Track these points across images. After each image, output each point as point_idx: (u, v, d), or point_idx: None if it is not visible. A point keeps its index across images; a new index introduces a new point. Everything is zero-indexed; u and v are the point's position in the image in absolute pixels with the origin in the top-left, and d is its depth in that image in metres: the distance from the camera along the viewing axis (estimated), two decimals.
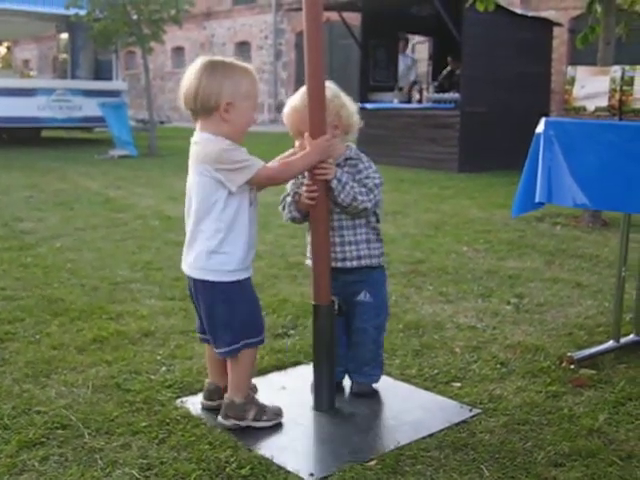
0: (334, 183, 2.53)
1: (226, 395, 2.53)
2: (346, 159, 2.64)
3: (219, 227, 2.39)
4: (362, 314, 2.71)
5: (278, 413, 2.57)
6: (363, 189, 2.56)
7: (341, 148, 2.65)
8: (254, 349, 2.54)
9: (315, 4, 2.46)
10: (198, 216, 2.42)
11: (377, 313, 2.76)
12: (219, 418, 2.51)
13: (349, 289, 2.70)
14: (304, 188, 2.56)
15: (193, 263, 2.45)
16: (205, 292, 2.46)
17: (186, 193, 2.49)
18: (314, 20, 2.48)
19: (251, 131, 2.56)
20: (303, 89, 2.55)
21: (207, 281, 2.43)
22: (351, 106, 2.66)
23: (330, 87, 2.60)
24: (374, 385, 2.82)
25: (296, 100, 2.61)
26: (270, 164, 2.49)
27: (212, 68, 2.38)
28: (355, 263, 2.67)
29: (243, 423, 2.49)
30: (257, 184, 2.45)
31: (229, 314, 2.44)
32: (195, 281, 2.47)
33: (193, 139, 2.45)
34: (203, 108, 2.38)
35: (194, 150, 2.43)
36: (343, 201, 2.54)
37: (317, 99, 2.50)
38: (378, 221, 2.74)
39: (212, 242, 2.40)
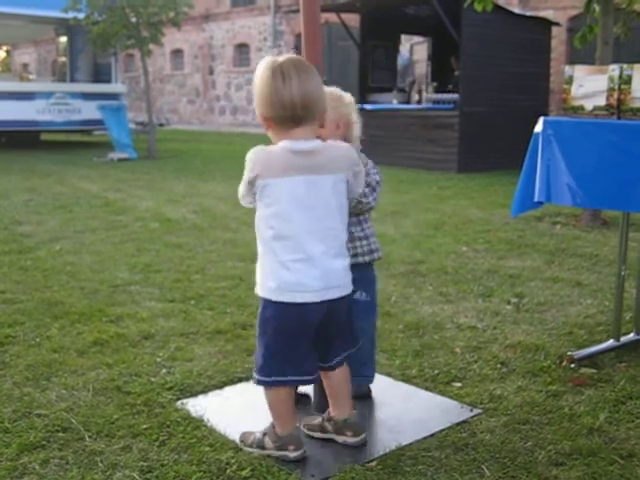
0: None
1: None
2: None
3: (347, 235, 2.34)
4: (359, 313, 2.68)
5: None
6: (366, 189, 2.56)
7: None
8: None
9: (313, 5, 2.47)
10: (337, 225, 2.24)
11: (372, 311, 2.76)
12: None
13: None
14: None
15: (344, 277, 2.28)
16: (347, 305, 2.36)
17: (297, 207, 2.18)
18: (312, 22, 2.48)
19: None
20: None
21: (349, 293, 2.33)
22: (357, 120, 2.64)
23: (348, 96, 2.62)
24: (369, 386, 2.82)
25: None
26: None
27: (307, 69, 2.20)
28: (368, 258, 2.66)
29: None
30: None
31: (355, 326, 2.46)
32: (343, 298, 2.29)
33: (302, 147, 2.17)
34: (320, 114, 2.22)
35: (321, 159, 2.20)
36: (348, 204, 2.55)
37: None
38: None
39: (348, 251, 2.35)
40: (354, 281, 2.62)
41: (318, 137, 2.25)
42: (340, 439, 2.42)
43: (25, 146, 15.18)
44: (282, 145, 2.16)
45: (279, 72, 2.14)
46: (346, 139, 2.60)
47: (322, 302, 2.19)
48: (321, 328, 2.26)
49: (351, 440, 2.40)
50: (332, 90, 2.60)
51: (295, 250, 2.17)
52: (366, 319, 2.71)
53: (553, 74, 13.22)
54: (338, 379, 2.41)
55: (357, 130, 2.64)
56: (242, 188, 2.22)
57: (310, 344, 2.27)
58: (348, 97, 2.62)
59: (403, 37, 14.44)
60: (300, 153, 2.16)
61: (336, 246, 2.23)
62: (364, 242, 2.66)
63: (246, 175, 2.17)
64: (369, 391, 2.81)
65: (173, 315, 3.78)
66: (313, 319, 2.22)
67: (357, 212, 2.61)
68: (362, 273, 2.67)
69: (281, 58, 2.20)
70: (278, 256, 2.17)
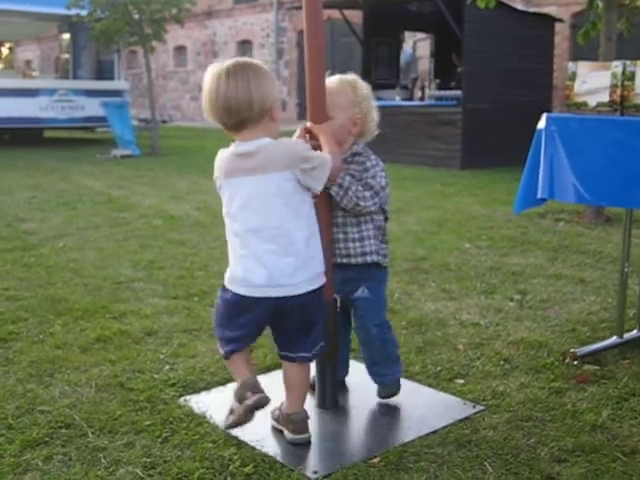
0: (334, 190, 2.48)
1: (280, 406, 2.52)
2: (353, 154, 2.58)
3: (312, 232, 2.34)
4: (360, 310, 2.67)
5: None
6: (367, 193, 2.50)
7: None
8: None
9: (315, 2, 2.46)
10: (284, 224, 2.27)
11: (376, 309, 2.69)
12: None
13: (349, 286, 2.64)
14: None
15: (293, 277, 2.28)
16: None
17: (241, 207, 2.28)
18: (314, 18, 2.47)
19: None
20: (338, 76, 2.59)
21: (315, 289, 2.35)
22: (375, 114, 2.64)
23: (366, 87, 2.62)
24: (398, 385, 2.74)
25: (332, 83, 2.57)
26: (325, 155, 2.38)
27: (252, 71, 2.25)
28: (360, 260, 2.61)
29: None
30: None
31: (317, 320, 2.42)
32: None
33: (243, 149, 2.27)
34: (261, 113, 2.24)
35: (260, 159, 2.25)
36: (346, 206, 2.52)
37: (318, 98, 2.49)
38: (386, 219, 2.69)
39: (311, 250, 2.32)
40: (359, 279, 2.62)
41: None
42: (285, 432, 2.45)
43: (28, 143, 15.20)
44: (231, 148, 2.33)
45: (212, 79, 2.26)
46: (362, 133, 2.61)
47: (266, 299, 2.27)
48: (274, 322, 2.38)
49: (289, 436, 2.41)
50: (344, 84, 2.57)
51: (243, 247, 2.30)
52: (367, 317, 2.68)
53: (556, 70, 13.19)
54: (295, 372, 2.44)
55: (373, 121, 2.62)
56: None
57: (250, 329, 2.37)
58: (362, 89, 2.59)
59: (406, 34, 14.43)
60: (241, 155, 2.28)
61: (286, 245, 2.26)
62: (357, 244, 2.60)
63: None
64: (392, 391, 2.73)
65: (176, 312, 3.79)
66: (257, 312, 2.32)
67: (356, 213, 2.57)
68: (368, 272, 2.64)
69: (221, 63, 2.28)
70: (235, 250, 2.34)
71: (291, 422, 2.42)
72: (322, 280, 2.38)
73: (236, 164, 2.28)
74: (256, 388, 2.31)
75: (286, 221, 2.26)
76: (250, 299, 2.29)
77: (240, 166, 2.27)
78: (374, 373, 2.75)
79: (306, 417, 2.44)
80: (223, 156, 2.34)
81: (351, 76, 2.63)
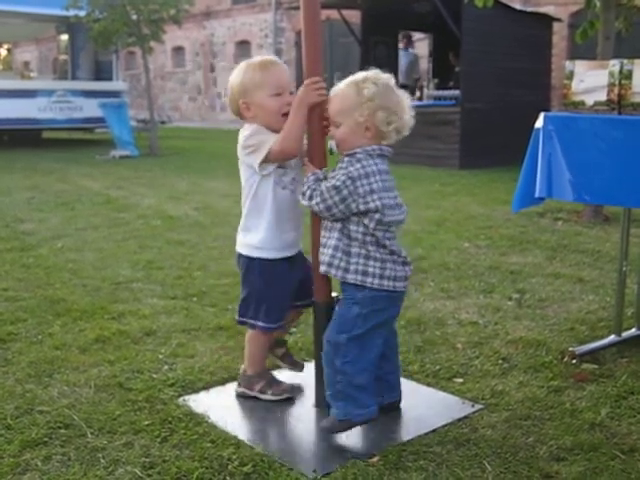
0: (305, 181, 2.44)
1: (242, 365, 2.80)
2: (347, 155, 2.40)
3: (250, 207, 2.61)
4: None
5: (287, 390, 2.74)
6: (311, 192, 2.37)
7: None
8: (259, 334, 2.66)
9: (313, 2, 2.46)
10: (242, 200, 2.63)
11: (334, 325, 2.41)
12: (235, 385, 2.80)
13: None
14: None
15: (239, 243, 2.69)
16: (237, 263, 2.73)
17: None
18: (312, 18, 2.48)
19: None
20: (351, 77, 2.41)
21: (239, 253, 2.69)
22: (391, 111, 2.36)
23: (377, 84, 2.36)
24: (336, 423, 2.41)
25: (339, 86, 2.42)
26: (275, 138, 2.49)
27: (232, 77, 2.62)
28: (324, 268, 2.40)
29: (250, 393, 2.74)
30: (275, 161, 2.52)
31: (245, 287, 2.67)
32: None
33: None
34: (236, 114, 2.64)
35: None
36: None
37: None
38: (372, 235, 2.34)
39: (244, 220, 2.64)
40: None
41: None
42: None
43: (27, 144, 15.20)
44: None
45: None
46: (377, 136, 2.39)
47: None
48: None
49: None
50: (350, 86, 2.38)
51: None
52: (328, 328, 2.44)
53: (554, 70, 13.21)
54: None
55: (385, 121, 2.35)
56: None
57: None
58: (369, 89, 2.33)
59: (413, 35, 14.40)
60: None
61: (241, 220, 2.67)
62: (325, 250, 2.40)
63: None
64: (329, 426, 2.43)
65: (175, 312, 3.79)
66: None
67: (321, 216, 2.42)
68: (345, 286, 2.41)
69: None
70: None
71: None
72: (243, 249, 2.65)
73: None
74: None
75: (243, 200, 2.64)
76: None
77: None
78: (327, 397, 2.47)
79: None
80: None
81: (363, 74, 2.39)
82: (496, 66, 11.26)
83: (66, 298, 4.00)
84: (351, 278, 2.35)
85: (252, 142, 2.50)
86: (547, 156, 3.03)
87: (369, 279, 2.34)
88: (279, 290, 2.62)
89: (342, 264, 2.36)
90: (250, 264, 2.63)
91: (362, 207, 2.31)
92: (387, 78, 2.42)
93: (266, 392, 2.72)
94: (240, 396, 2.76)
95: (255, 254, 2.61)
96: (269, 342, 2.78)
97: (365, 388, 2.40)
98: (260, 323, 2.63)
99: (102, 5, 13.28)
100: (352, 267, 2.34)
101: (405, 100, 2.44)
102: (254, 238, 2.60)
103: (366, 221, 2.34)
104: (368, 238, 2.35)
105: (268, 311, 2.62)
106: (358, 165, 2.34)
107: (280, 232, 2.59)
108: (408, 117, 2.42)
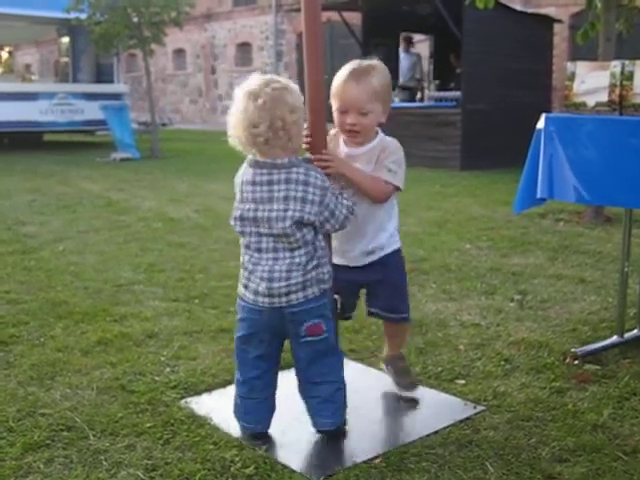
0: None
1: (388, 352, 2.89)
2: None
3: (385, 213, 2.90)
4: None
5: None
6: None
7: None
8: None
9: (314, 4, 2.46)
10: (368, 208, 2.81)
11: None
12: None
13: None
14: None
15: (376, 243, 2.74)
16: None
17: None
18: (313, 20, 2.47)
19: None
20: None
21: (386, 254, 2.77)
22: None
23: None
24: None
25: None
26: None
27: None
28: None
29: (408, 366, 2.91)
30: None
31: (399, 282, 2.83)
32: None
33: None
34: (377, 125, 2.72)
35: None
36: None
37: (316, 99, 2.49)
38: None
39: (380, 224, 2.84)
40: None
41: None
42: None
43: (28, 147, 15.21)
44: None
45: None
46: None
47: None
48: None
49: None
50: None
51: None
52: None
53: (555, 71, 13.20)
54: None
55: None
56: None
57: None
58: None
59: (414, 36, 14.39)
60: None
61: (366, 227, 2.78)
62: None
63: None
64: (328, 429, 2.46)
65: (177, 314, 3.79)
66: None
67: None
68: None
69: None
70: None
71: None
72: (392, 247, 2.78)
73: None
74: None
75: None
76: None
77: None
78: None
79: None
80: None
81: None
82: (497, 67, 11.26)
83: (68, 301, 4.00)
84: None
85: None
86: (548, 157, 3.03)
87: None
88: None
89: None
90: (400, 258, 2.77)
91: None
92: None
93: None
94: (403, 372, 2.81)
95: (399, 245, 2.76)
96: None
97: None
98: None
99: (103, 8, 13.30)
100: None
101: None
102: (393, 235, 2.76)
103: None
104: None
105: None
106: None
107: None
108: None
